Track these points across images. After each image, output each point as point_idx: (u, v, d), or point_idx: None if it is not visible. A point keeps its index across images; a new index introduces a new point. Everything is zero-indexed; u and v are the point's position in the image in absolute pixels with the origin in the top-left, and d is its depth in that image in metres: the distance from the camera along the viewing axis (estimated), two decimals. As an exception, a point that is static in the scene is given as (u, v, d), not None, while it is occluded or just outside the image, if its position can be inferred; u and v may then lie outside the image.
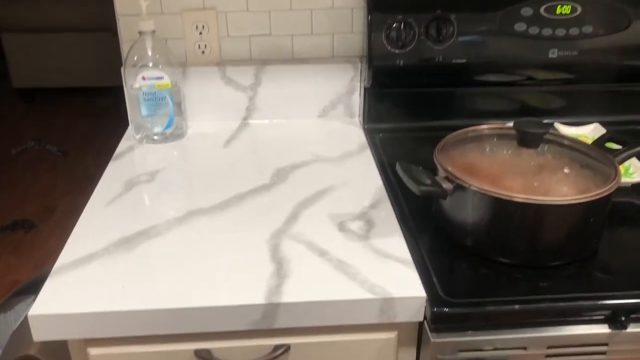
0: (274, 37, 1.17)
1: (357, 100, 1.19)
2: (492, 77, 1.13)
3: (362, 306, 0.71)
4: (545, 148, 0.83)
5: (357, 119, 1.21)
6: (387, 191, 0.93)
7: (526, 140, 0.81)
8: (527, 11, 1.07)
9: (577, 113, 1.16)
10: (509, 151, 0.84)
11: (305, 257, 0.78)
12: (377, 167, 1.02)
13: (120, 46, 1.15)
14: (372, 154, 1.06)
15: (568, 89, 1.16)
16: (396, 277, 0.74)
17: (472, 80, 1.13)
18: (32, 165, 3.08)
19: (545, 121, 1.15)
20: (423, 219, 0.85)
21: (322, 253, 0.79)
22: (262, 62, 1.18)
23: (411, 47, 1.09)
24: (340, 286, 0.72)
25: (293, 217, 0.87)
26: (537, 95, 1.17)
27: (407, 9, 1.08)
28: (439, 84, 1.13)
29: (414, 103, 1.15)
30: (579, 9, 1.08)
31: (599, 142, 0.88)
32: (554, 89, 1.16)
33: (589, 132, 1.11)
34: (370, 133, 1.14)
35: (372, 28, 1.09)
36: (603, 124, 1.12)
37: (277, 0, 1.14)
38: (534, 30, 1.08)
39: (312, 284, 0.73)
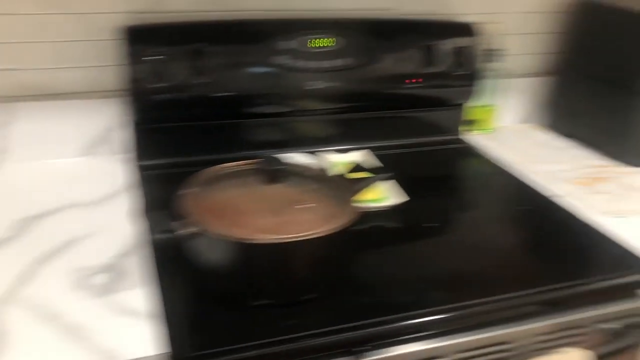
0: (25, 72, 1.06)
1: (124, 136, 1.12)
2: (261, 109, 1.12)
3: (91, 375, 0.64)
4: (292, 182, 0.83)
5: (126, 156, 1.13)
6: (145, 237, 0.88)
7: (270, 177, 0.81)
8: (286, 44, 1.09)
9: (348, 140, 1.21)
10: (261, 187, 0.83)
11: (31, 325, 0.69)
12: (141, 208, 0.95)
13: None
14: (139, 195, 1.00)
15: (337, 118, 1.20)
16: (138, 335, 0.68)
17: (242, 113, 1.12)
18: None
19: (319, 149, 1.18)
20: (176, 266, 0.80)
21: (53, 318, 0.70)
22: (13, 99, 1.05)
23: (174, 80, 1.04)
24: (66, 357, 0.65)
25: (27, 276, 0.77)
26: (309, 125, 1.19)
27: (168, 42, 1.04)
28: (207, 117, 1.10)
29: (185, 137, 1.11)
30: (336, 43, 1.12)
31: (351, 170, 0.91)
32: (324, 118, 1.19)
33: (359, 158, 1.17)
34: (139, 170, 1.07)
35: (132, 61, 1.03)
36: (373, 149, 1.19)
37: (27, 32, 1.03)
38: (296, 62, 1.10)
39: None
